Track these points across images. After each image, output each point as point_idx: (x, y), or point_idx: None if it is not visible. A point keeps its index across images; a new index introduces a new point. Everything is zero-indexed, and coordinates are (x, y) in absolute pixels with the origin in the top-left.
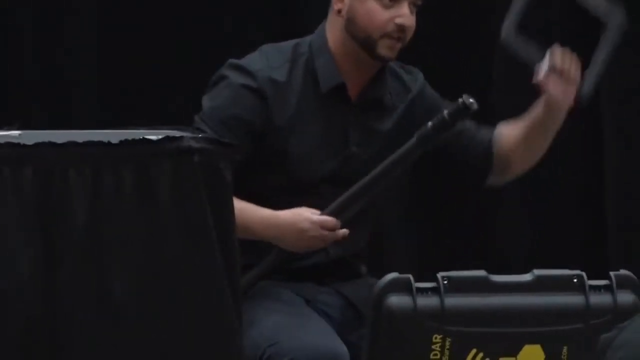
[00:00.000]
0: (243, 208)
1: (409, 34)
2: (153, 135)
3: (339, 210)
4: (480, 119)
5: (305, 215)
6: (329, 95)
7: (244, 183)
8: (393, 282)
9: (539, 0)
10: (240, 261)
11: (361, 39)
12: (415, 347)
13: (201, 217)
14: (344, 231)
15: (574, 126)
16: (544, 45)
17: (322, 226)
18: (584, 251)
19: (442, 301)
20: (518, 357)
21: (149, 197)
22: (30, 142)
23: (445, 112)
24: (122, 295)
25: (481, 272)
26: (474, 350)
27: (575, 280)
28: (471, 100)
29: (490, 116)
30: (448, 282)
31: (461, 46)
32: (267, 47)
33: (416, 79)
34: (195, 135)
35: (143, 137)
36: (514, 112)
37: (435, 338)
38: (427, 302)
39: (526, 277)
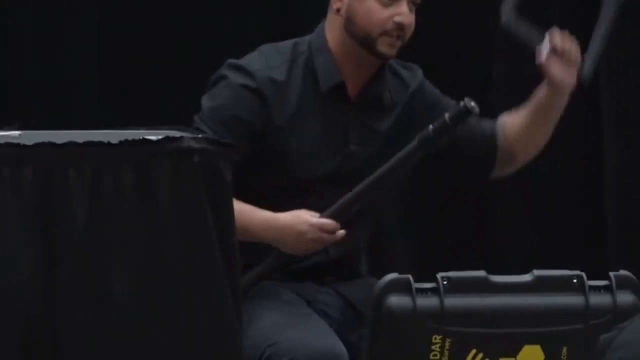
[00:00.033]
0: (242, 210)
1: (408, 32)
2: (153, 135)
3: (338, 212)
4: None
5: (305, 217)
6: (329, 94)
7: (244, 183)
8: (393, 282)
9: None
10: (240, 261)
11: (360, 37)
12: (415, 347)
13: (201, 217)
14: (343, 232)
15: (574, 126)
16: (543, 28)
17: (321, 229)
18: (584, 251)
19: (441, 301)
20: (518, 357)
21: (149, 197)
22: (30, 142)
23: (447, 115)
24: (122, 295)
25: (481, 273)
26: (473, 351)
27: (575, 280)
28: (472, 103)
29: (490, 116)
30: (448, 282)
31: (461, 45)
32: (266, 47)
33: (415, 76)
34: (195, 136)
35: (143, 137)
36: None
37: (435, 338)
38: (427, 302)
39: (526, 278)
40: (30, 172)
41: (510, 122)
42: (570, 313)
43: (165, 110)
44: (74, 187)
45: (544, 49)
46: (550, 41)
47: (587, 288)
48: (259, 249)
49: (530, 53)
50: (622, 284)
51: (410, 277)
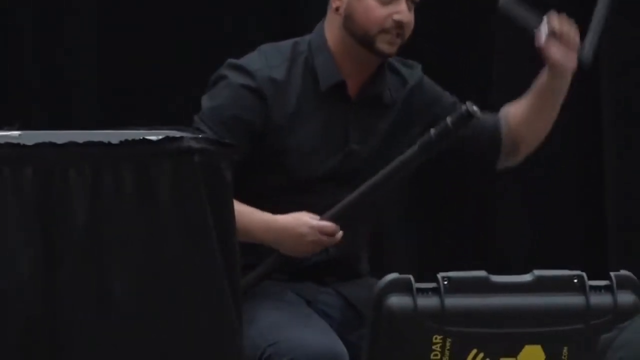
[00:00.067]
0: (242, 211)
1: (407, 31)
2: (153, 136)
3: (338, 215)
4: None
5: (305, 219)
6: (329, 93)
7: (244, 183)
8: (393, 282)
9: None
10: (240, 261)
11: (359, 36)
12: (416, 347)
13: (201, 217)
14: (342, 234)
15: (574, 127)
16: (541, 11)
17: (321, 231)
18: (584, 251)
19: (442, 301)
20: (518, 357)
21: (149, 197)
22: (30, 142)
23: (449, 119)
24: (122, 295)
25: (481, 273)
26: (474, 351)
27: (575, 280)
28: (474, 107)
29: None
30: (448, 282)
31: (461, 45)
32: (265, 47)
33: (414, 72)
34: (195, 136)
35: (143, 137)
36: None
37: (436, 338)
38: (428, 302)
39: (526, 278)
40: (30, 172)
41: (513, 111)
42: (570, 313)
43: (165, 110)
44: (74, 187)
45: (543, 33)
46: (549, 24)
47: (587, 288)
48: (259, 249)
49: (530, 53)
50: (623, 284)
51: (411, 277)
